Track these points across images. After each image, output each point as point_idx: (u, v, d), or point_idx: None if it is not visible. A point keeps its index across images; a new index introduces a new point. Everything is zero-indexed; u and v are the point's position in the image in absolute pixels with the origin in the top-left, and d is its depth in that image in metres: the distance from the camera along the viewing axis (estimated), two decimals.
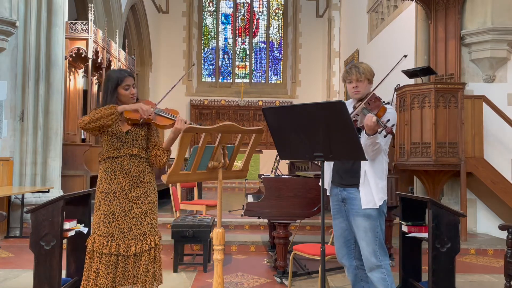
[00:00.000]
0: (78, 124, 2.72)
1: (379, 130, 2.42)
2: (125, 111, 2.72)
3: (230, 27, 17.35)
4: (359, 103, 2.67)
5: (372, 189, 2.64)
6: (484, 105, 5.90)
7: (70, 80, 8.05)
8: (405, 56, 2.84)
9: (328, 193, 2.90)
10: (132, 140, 2.77)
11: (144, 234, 2.75)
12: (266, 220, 5.15)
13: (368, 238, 2.65)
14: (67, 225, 3.03)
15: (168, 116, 2.75)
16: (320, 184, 2.51)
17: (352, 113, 2.59)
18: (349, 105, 2.79)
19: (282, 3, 17.42)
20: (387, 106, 2.65)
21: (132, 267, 2.72)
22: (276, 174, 5.27)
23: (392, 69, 2.75)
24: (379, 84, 2.74)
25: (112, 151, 2.76)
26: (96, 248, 2.69)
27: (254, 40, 17.39)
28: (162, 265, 2.86)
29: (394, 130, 2.62)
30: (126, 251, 2.70)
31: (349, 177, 2.73)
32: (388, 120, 2.43)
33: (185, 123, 2.70)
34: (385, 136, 2.45)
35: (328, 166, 2.87)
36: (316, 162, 7.46)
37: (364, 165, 2.66)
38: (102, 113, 2.60)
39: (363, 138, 2.54)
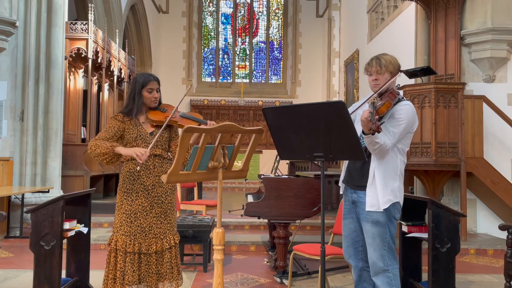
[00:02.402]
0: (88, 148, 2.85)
1: (370, 126, 2.28)
2: (149, 113, 2.89)
3: (230, 27, 17.35)
4: (375, 96, 2.53)
5: (378, 190, 2.51)
6: (484, 105, 5.89)
7: (70, 80, 8.05)
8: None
9: (341, 192, 2.84)
10: (156, 141, 2.86)
11: (164, 233, 2.87)
12: (266, 220, 5.15)
13: (376, 244, 2.57)
14: (67, 225, 3.03)
15: (193, 119, 2.88)
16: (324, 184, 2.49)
17: (360, 104, 2.54)
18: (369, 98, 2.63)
19: (282, 3, 17.42)
20: (402, 103, 2.55)
21: (154, 265, 2.84)
22: (276, 174, 5.26)
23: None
24: (395, 76, 2.57)
25: None
26: (120, 247, 2.79)
27: (254, 40, 17.39)
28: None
29: (399, 130, 2.46)
30: (147, 249, 2.81)
31: (358, 178, 2.63)
32: (381, 118, 2.34)
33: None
34: (372, 134, 2.32)
35: (345, 165, 2.80)
36: (316, 162, 7.48)
37: (374, 165, 2.53)
38: (100, 150, 2.75)
39: (363, 136, 2.42)
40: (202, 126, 2.76)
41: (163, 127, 2.82)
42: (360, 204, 2.63)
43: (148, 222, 2.82)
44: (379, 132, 2.30)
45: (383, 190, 2.51)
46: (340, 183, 2.85)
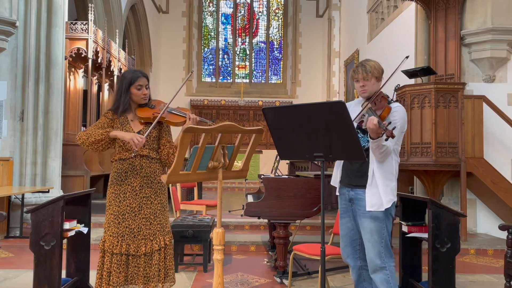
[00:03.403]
0: (76, 140, 2.79)
1: (381, 133, 2.37)
2: (137, 110, 2.83)
3: (230, 27, 17.35)
4: (366, 102, 2.64)
5: (380, 191, 2.58)
6: (484, 105, 5.89)
7: (70, 80, 8.05)
8: (407, 57, 2.81)
9: (337, 193, 2.88)
10: (147, 134, 2.79)
11: (154, 234, 2.81)
12: (266, 220, 5.14)
13: (374, 239, 2.61)
14: (67, 225, 3.03)
15: (179, 114, 2.81)
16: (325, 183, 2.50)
17: (359, 113, 2.58)
18: (358, 104, 2.75)
19: (282, 3, 17.41)
20: (394, 104, 2.63)
21: (143, 267, 2.78)
22: (276, 174, 5.26)
23: (395, 71, 2.72)
24: (383, 86, 2.71)
25: (123, 152, 2.81)
26: (107, 248, 2.76)
27: (254, 40, 17.38)
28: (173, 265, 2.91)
29: (397, 132, 2.54)
30: (136, 251, 2.76)
31: (357, 178, 2.69)
32: (390, 123, 2.41)
33: (196, 120, 2.75)
34: (386, 140, 2.39)
35: (338, 165, 2.84)
36: (316, 162, 7.50)
37: (372, 166, 2.60)
38: (94, 138, 2.71)
39: (370, 141, 2.51)
40: (186, 124, 2.72)
41: (152, 125, 2.76)
42: (358, 201, 2.68)
43: (137, 223, 2.77)
44: (393, 137, 2.36)
45: (384, 190, 2.59)
46: (335, 183, 2.88)
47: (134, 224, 2.77)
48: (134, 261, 2.76)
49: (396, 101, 2.71)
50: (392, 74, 2.70)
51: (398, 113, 2.60)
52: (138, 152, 2.76)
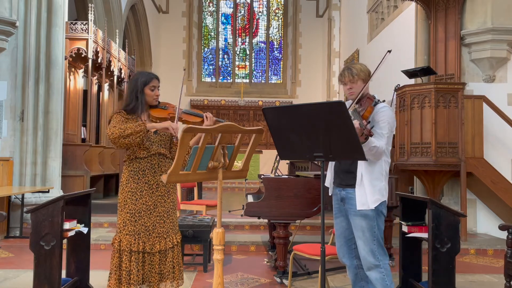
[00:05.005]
0: (107, 136, 2.79)
1: (362, 132, 2.43)
2: (151, 111, 2.87)
3: (230, 27, 17.35)
4: (354, 103, 2.71)
5: (367, 190, 2.65)
6: (484, 105, 5.89)
7: (70, 80, 8.05)
8: (389, 51, 2.82)
9: (330, 193, 2.92)
10: (160, 140, 2.89)
11: (167, 232, 2.87)
12: (266, 220, 5.14)
13: (366, 237, 2.67)
14: (67, 225, 3.03)
15: (196, 114, 2.89)
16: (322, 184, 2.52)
17: None
18: (349, 105, 2.79)
19: (282, 3, 17.42)
20: (380, 105, 2.68)
21: (157, 264, 2.83)
22: (276, 174, 5.26)
23: (378, 66, 2.72)
24: (367, 82, 2.74)
25: (141, 152, 2.85)
26: (124, 247, 2.78)
27: (254, 40, 17.38)
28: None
29: (385, 132, 2.61)
30: (151, 248, 2.81)
31: (347, 178, 2.75)
32: (369, 122, 2.49)
33: (213, 119, 2.85)
34: (365, 139, 2.46)
35: (330, 167, 2.90)
36: (316, 162, 7.51)
37: (361, 166, 2.66)
38: (132, 129, 2.69)
39: None
40: (204, 124, 2.78)
41: (175, 121, 2.80)
42: (349, 200, 2.74)
43: (152, 221, 2.83)
44: (371, 135, 2.46)
45: (371, 190, 2.65)
46: (328, 184, 2.92)
47: (149, 222, 2.82)
48: (149, 258, 2.81)
49: (383, 101, 2.75)
50: (375, 70, 2.72)
51: (384, 114, 2.65)
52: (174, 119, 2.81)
